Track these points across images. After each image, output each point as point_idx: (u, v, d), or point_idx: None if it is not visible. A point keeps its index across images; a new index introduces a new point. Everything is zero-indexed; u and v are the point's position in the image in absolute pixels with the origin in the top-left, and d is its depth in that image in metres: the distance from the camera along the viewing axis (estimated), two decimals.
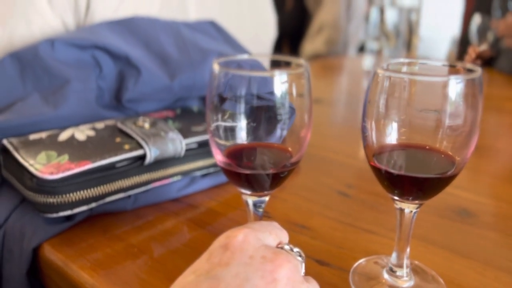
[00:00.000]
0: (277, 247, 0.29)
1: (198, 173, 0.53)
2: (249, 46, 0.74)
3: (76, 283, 0.38)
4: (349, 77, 1.37)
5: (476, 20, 1.42)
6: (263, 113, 0.33)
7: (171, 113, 0.57)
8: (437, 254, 0.41)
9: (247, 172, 0.33)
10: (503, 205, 0.52)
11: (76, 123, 0.52)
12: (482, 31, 1.38)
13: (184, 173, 0.52)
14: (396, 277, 0.36)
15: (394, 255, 0.36)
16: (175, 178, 0.51)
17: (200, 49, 0.61)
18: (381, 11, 1.19)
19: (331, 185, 0.55)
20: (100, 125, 0.52)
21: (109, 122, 0.52)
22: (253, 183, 0.34)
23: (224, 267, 0.24)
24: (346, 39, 2.41)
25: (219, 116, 0.32)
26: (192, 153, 0.52)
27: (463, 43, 1.57)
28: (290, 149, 0.35)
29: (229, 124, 0.33)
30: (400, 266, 0.36)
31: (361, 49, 2.23)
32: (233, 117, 0.32)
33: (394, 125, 0.32)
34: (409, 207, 0.34)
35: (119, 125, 0.51)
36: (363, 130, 0.34)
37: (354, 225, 0.46)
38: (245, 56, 0.38)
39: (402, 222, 0.35)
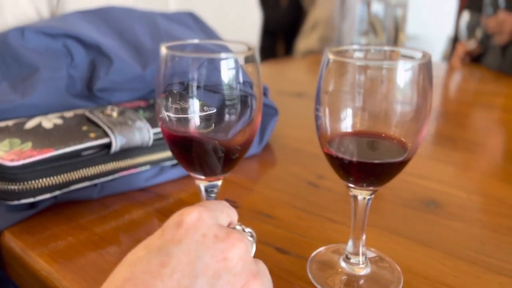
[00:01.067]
0: (229, 227, 0.29)
1: (168, 163, 0.53)
2: (231, 38, 0.73)
3: (33, 270, 0.38)
4: None
5: (465, 17, 1.42)
6: (215, 99, 0.32)
7: (143, 103, 0.57)
8: (399, 243, 0.41)
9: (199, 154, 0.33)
10: (474, 197, 0.52)
11: (45, 112, 0.52)
12: (471, 28, 1.38)
13: (153, 163, 0.51)
14: (352, 264, 0.36)
15: (350, 243, 0.36)
16: (143, 168, 0.51)
17: (175, 38, 0.60)
18: (368, 6, 1.19)
19: (301, 175, 0.55)
20: (69, 114, 0.51)
21: (79, 111, 0.52)
22: (203, 165, 0.33)
23: (176, 244, 0.24)
24: (340, 37, 2.41)
25: (169, 103, 0.32)
26: (162, 143, 0.51)
27: (456, 40, 1.57)
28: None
29: (178, 115, 0.33)
30: (356, 254, 0.36)
31: None
32: (183, 104, 0.32)
33: (347, 112, 0.32)
34: (362, 194, 0.34)
35: (87, 113, 0.50)
36: (316, 118, 0.33)
37: (319, 215, 0.46)
38: (196, 41, 0.37)
39: (357, 210, 0.34)
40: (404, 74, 0.29)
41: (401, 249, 0.40)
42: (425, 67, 0.29)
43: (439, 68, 1.38)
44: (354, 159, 0.31)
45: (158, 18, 0.65)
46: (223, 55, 0.32)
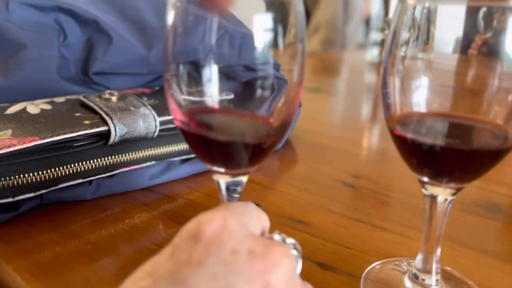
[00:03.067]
0: (262, 236, 0.21)
1: (177, 158, 0.45)
2: None
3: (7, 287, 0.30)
4: (349, 68, 1.29)
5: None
6: (239, 82, 0.25)
7: (148, 89, 0.49)
8: (469, 258, 0.33)
9: (221, 138, 0.25)
10: None
11: (32, 97, 0.44)
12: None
13: (159, 158, 0.43)
14: (423, 285, 0.28)
15: (419, 257, 0.28)
16: (147, 163, 0.43)
17: None
18: (386, 1, 1.12)
19: (334, 175, 0.47)
20: (60, 99, 0.43)
21: (72, 97, 0.44)
22: (225, 154, 0.26)
23: (195, 267, 0.17)
24: (344, 39, 2.36)
25: (180, 79, 0.24)
26: (170, 134, 0.43)
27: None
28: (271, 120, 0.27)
29: (192, 97, 0.25)
30: (428, 272, 0.28)
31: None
32: (197, 85, 0.24)
33: (425, 82, 0.24)
34: (443, 194, 0.25)
35: (82, 98, 0.42)
36: (384, 96, 0.25)
37: (362, 221, 0.38)
38: None
39: (433, 214, 0.26)
40: None
41: (475, 265, 0.32)
42: None
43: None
44: (438, 143, 0.23)
45: None
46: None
